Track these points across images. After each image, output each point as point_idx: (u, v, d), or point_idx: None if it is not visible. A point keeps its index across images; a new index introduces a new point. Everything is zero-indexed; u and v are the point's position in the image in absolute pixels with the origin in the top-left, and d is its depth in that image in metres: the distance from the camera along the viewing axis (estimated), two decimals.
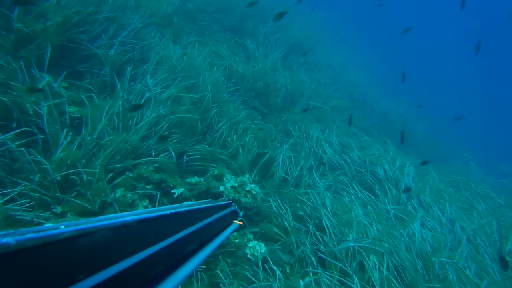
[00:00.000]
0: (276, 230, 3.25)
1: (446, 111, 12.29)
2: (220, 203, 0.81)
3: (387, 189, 4.50)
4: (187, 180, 3.24)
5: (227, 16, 6.41)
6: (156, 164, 3.19)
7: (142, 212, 0.45)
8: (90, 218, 0.35)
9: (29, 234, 0.26)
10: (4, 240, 0.24)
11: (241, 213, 0.90)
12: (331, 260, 2.95)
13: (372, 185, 4.57)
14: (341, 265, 2.90)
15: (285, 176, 3.98)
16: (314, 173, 4.29)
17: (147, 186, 2.95)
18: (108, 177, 2.74)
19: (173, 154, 3.32)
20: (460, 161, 7.75)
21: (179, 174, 3.33)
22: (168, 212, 0.49)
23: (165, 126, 3.51)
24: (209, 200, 0.82)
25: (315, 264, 2.90)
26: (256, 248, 2.90)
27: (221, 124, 4.06)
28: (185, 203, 0.67)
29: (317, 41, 8.37)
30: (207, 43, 5.41)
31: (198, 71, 4.44)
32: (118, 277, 0.31)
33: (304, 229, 3.34)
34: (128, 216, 0.39)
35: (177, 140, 3.55)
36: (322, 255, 3.00)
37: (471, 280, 3.00)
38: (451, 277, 2.99)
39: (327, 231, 3.27)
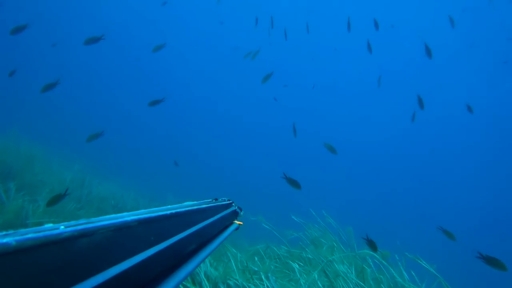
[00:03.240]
0: None
1: None
2: (221, 203, 0.81)
3: None
4: None
5: None
6: None
7: (143, 212, 0.45)
8: (90, 218, 0.35)
9: (29, 235, 0.26)
10: (4, 240, 0.24)
11: (242, 213, 0.89)
12: None
13: None
14: None
15: None
16: None
17: None
18: None
19: None
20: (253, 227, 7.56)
21: None
22: (168, 212, 0.49)
23: None
24: (210, 200, 0.81)
25: None
26: None
27: None
28: (186, 203, 0.66)
29: (30, 157, 6.98)
30: None
31: None
32: (118, 278, 0.31)
33: None
34: (129, 216, 0.39)
35: None
36: None
37: None
38: None
39: None
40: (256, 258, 4.59)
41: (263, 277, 3.69)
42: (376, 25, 8.08)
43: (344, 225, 5.49)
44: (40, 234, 0.26)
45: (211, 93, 27.39)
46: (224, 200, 0.87)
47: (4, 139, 7.12)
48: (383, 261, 4.17)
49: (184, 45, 27.45)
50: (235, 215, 0.84)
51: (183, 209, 0.55)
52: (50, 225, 0.30)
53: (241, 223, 0.82)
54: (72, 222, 0.32)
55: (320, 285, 3.70)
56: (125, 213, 0.41)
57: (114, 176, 9.97)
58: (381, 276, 4.10)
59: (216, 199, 0.85)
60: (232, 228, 0.76)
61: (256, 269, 4.05)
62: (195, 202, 0.70)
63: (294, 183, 4.25)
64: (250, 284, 3.61)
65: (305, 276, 3.99)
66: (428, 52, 6.64)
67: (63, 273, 0.26)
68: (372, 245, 3.60)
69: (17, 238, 0.24)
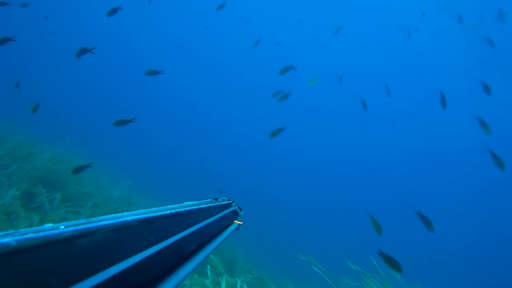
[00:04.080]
0: None
1: None
2: (221, 203, 0.81)
3: None
4: None
5: None
6: None
7: (143, 212, 0.45)
8: (90, 218, 0.35)
9: (29, 234, 0.26)
10: (4, 240, 0.24)
11: (242, 213, 0.89)
12: None
13: None
14: None
15: None
16: None
17: None
18: None
19: None
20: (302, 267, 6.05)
21: None
22: (168, 212, 0.49)
23: None
24: (210, 200, 0.81)
25: None
26: None
27: None
28: (185, 203, 0.66)
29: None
30: None
31: None
32: (118, 278, 0.31)
33: None
34: (128, 216, 0.40)
35: None
36: None
37: None
38: None
39: None
40: None
41: None
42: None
43: (412, 282, 4.69)
44: (40, 234, 0.26)
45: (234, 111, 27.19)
46: (224, 200, 0.87)
47: (58, 150, 7.36)
48: None
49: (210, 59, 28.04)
50: (235, 215, 0.83)
51: (183, 209, 0.55)
52: (50, 225, 0.30)
53: (241, 223, 0.81)
54: (72, 222, 0.32)
55: None
56: (125, 213, 0.41)
57: (158, 196, 9.96)
58: None
59: (216, 199, 0.85)
60: (232, 228, 0.75)
61: None
62: (195, 202, 0.70)
63: (393, 264, 3.24)
64: None
65: None
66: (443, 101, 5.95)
67: (63, 272, 0.26)
68: None
69: (17, 238, 0.25)
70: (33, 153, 6.29)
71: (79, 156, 7.94)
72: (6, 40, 4.55)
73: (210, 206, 0.71)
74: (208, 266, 4.48)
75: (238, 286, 3.87)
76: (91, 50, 4.72)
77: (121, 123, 4.91)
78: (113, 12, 5.63)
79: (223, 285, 3.71)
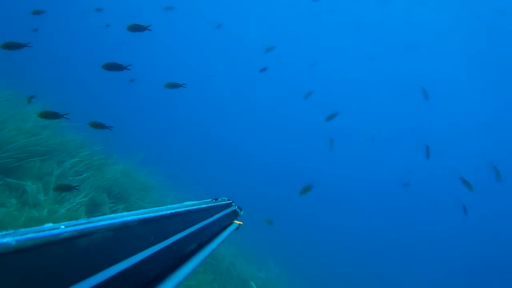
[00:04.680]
0: None
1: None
2: (221, 203, 0.81)
3: None
4: None
5: None
6: None
7: (143, 212, 0.45)
8: (90, 218, 0.35)
9: (29, 234, 0.26)
10: (4, 240, 0.24)
11: (242, 213, 0.89)
12: None
13: None
14: None
15: None
16: None
17: None
18: None
19: None
20: None
21: None
22: (168, 212, 0.50)
23: None
24: (210, 200, 0.82)
25: None
26: None
27: None
28: (186, 203, 0.66)
29: (146, 185, 7.23)
30: None
31: None
32: (118, 278, 0.31)
33: None
34: (129, 216, 0.40)
35: None
36: None
37: None
38: None
39: None
40: None
41: None
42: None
43: None
44: (40, 234, 0.27)
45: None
46: (224, 200, 0.86)
47: (130, 163, 7.45)
48: None
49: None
50: (235, 214, 0.83)
51: (183, 209, 0.55)
52: (50, 224, 0.30)
53: (241, 223, 0.80)
54: (72, 222, 0.32)
55: None
56: (125, 213, 0.41)
57: None
58: None
59: (216, 199, 0.84)
60: (232, 228, 0.75)
61: None
62: (195, 202, 0.70)
63: None
64: None
65: None
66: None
67: (63, 272, 0.27)
68: None
69: (17, 238, 0.25)
70: (107, 164, 6.60)
71: (148, 171, 8.17)
72: (20, 45, 4.43)
73: (210, 206, 0.71)
74: None
75: None
76: (182, 85, 4.78)
77: (98, 125, 4.59)
78: (137, 28, 5.01)
79: None
